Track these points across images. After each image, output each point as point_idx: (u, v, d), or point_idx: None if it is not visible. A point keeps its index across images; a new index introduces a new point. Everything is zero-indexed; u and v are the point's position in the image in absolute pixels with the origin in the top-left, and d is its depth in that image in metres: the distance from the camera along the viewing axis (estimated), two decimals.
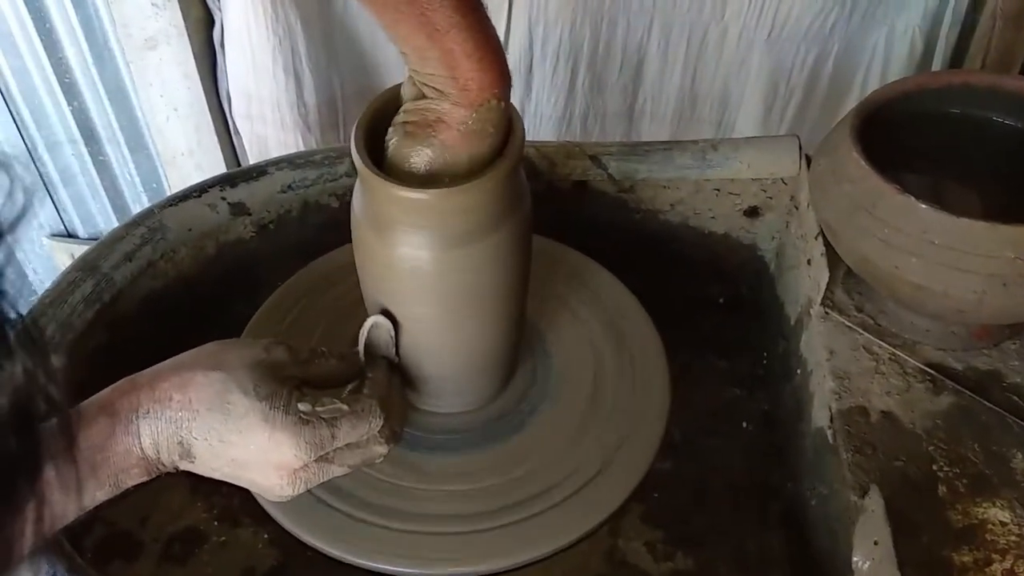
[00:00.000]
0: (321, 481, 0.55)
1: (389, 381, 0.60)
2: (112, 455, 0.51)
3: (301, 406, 0.52)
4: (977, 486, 0.60)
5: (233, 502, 0.73)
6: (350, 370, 0.58)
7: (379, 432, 0.56)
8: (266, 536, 0.71)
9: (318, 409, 0.53)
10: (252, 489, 0.56)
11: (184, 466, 0.54)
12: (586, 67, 1.14)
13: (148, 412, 0.51)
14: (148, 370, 0.54)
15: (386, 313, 0.61)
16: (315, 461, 0.54)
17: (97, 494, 0.52)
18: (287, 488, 0.54)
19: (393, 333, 0.61)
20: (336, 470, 0.56)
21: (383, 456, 0.58)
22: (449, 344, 0.64)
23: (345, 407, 0.54)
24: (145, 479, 0.54)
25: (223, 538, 0.72)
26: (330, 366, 0.58)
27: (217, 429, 0.51)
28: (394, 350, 0.62)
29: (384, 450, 0.57)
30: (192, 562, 0.70)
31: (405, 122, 0.57)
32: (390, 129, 0.58)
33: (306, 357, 0.57)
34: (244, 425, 0.51)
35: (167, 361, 0.55)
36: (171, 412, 0.51)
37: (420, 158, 0.56)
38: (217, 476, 0.55)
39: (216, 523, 0.72)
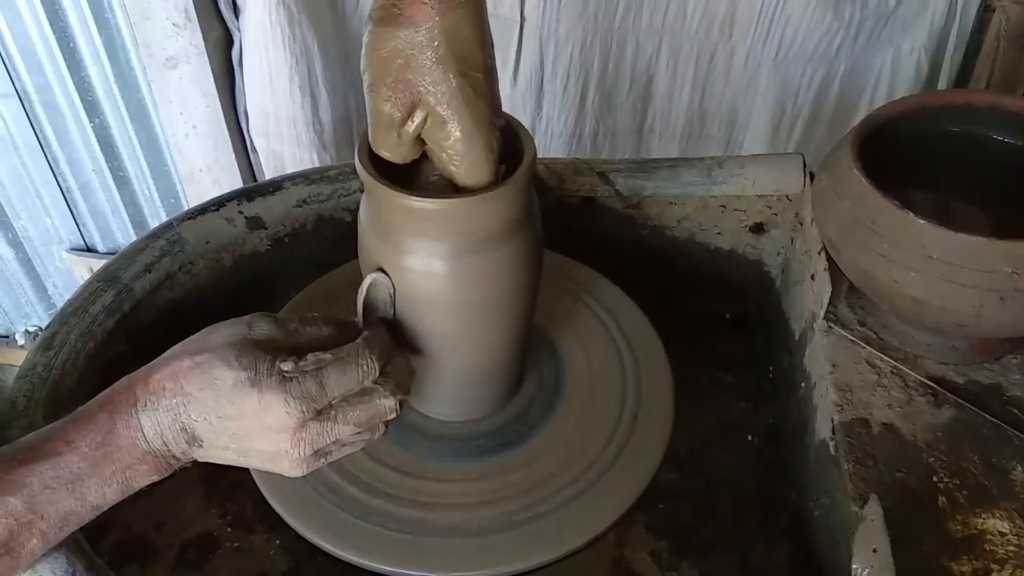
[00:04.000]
0: (330, 442, 0.54)
1: (386, 337, 0.58)
2: (115, 450, 0.52)
3: (283, 366, 0.52)
4: (977, 497, 0.61)
5: (246, 509, 0.74)
6: (345, 337, 0.57)
7: (383, 386, 0.56)
8: (278, 542, 0.72)
9: (300, 364, 0.53)
10: (266, 467, 0.55)
11: (197, 454, 0.54)
12: (596, 86, 1.16)
13: (146, 405, 0.52)
14: (144, 366, 0.55)
15: (384, 272, 0.60)
16: (314, 419, 0.53)
17: (106, 492, 0.52)
18: (293, 453, 0.53)
19: (392, 291, 0.60)
20: (343, 429, 0.54)
21: (394, 411, 0.56)
22: (457, 353, 0.65)
23: (328, 356, 0.54)
24: (157, 477, 0.54)
25: (236, 544, 0.73)
26: (321, 334, 0.57)
27: (211, 407, 0.52)
28: (392, 310, 0.61)
29: (391, 402, 0.56)
30: (206, 567, 0.72)
31: (372, 13, 0.57)
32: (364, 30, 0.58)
33: (294, 327, 0.56)
34: (234, 396, 0.52)
35: (162, 355, 0.55)
36: (166, 401, 0.52)
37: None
38: (230, 459, 0.55)
39: (229, 529, 0.74)
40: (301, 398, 0.52)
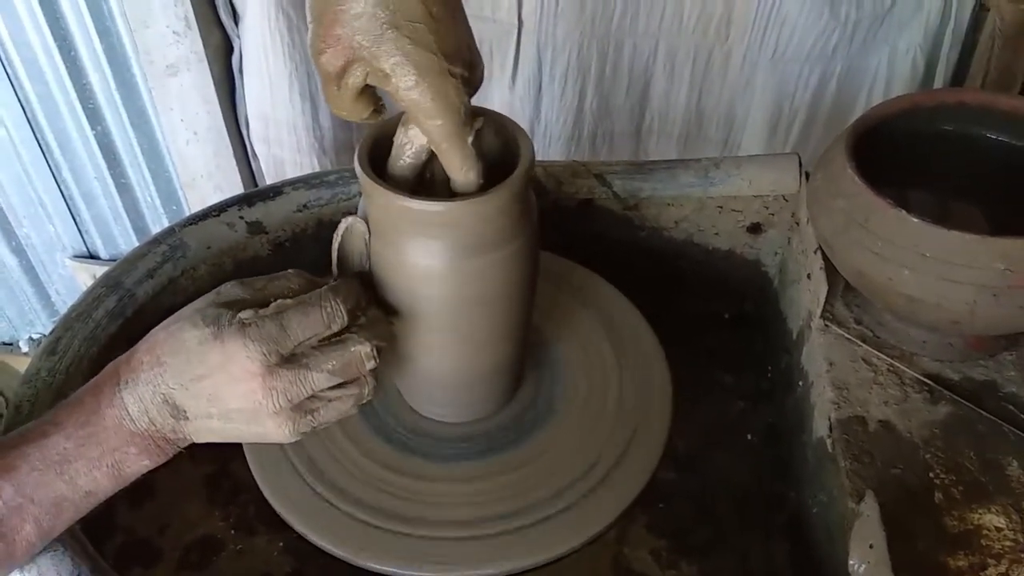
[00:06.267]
0: (306, 393, 0.53)
1: (356, 286, 0.57)
2: (100, 431, 0.52)
3: (243, 315, 0.52)
4: (973, 493, 0.62)
5: (249, 511, 0.75)
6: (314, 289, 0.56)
7: (357, 333, 0.54)
8: (281, 544, 0.73)
9: (260, 311, 0.52)
10: (254, 432, 0.54)
11: (187, 430, 0.54)
12: (594, 89, 1.17)
13: (128, 382, 0.52)
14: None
15: (359, 218, 0.59)
16: (283, 366, 0.52)
17: (96, 476, 0.52)
18: (269, 405, 0.52)
19: (368, 238, 0.59)
20: (317, 377, 0.53)
21: (371, 358, 0.55)
22: (456, 355, 0.66)
23: (290, 301, 0.53)
24: (149, 462, 0.54)
25: (239, 546, 0.74)
26: (291, 286, 0.56)
27: (184, 370, 0.52)
28: (367, 262, 0.60)
29: (366, 348, 0.54)
30: (209, 569, 0.72)
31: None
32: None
33: (262, 284, 0.56)
34: (201, 353, 0.52)
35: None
36: (145, 374, 0.52)
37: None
38: (217, 429, 0.54)
39: (233, 531, 0.74)
40: (260, 340, 0.51)
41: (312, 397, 0.54)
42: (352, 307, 0.55)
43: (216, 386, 0.52)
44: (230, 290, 0.55)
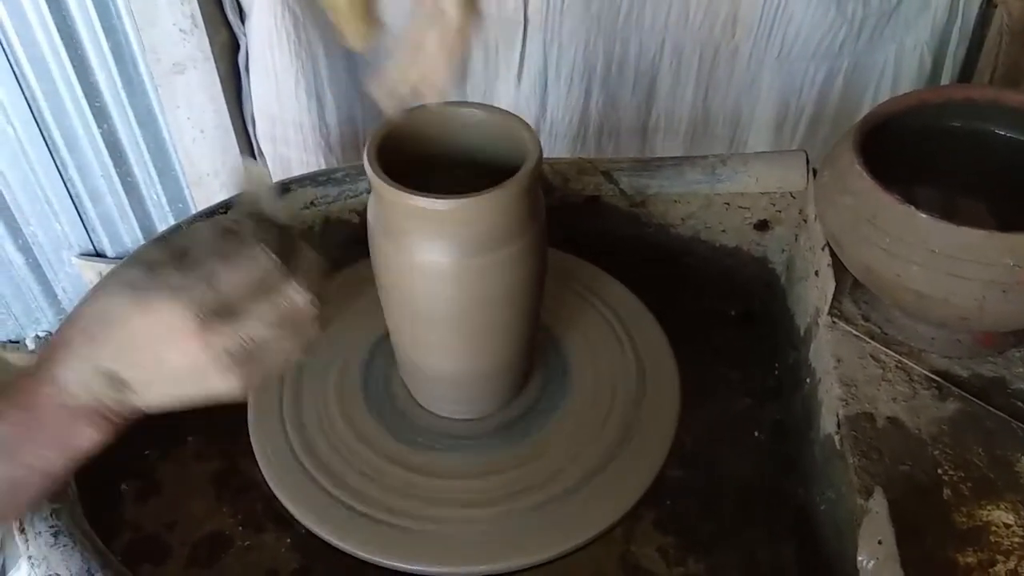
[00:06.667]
0: (245, 343, 0.51)
1: (276, 231, 0.54)
2: (42, 414, 0.51)
3: (168, 277, 0.50)
4: (981, 489, 0.62)
5: (257, 508, 0.75)
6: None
7: (292, 280, 0.52)
8: (289, 540, 0.73)
9: (186, 271, 0.50)
10: (202, 388, 0.52)
11: (135, 400, 0.52)
12: (600, 86, 1.17)
13: (62, 359, 0.51)
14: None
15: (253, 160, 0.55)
16: (217, 320, 0.50)
17: (49, 457, 0.51)
18: (209, 361, 0.50)
19: (271, 182, 0.55)
20: (255, 326, 0.51)
21: (310, 306, 0.52)
22: (464, 351, 0.66)
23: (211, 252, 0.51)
24: (101, 436, 0.52)
25: (247, 542, 0.74)
26: (208, 237, 0.53)
27: (112, 337, 0.50)
28: (279, 205, 0.56)
29: (302, 297, 0.52)
30: (218, 566, 0.72)
31: None
32: None
33: (180, 243, 0.53)
34: (123, 317, 0.50)
35: None
36: (76, 349, 0.51)
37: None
38: (163, 394, 0.52)
39: (240, 528, 0.75)
40: (180, 288, 0.50)
41: (253, 347, 0.52)
42: (277, 251, 0.52)
43: (153, 352, 0.51)
44: (150, 253, 0.52)
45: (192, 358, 0.50)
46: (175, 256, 0.52)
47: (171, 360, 0.51)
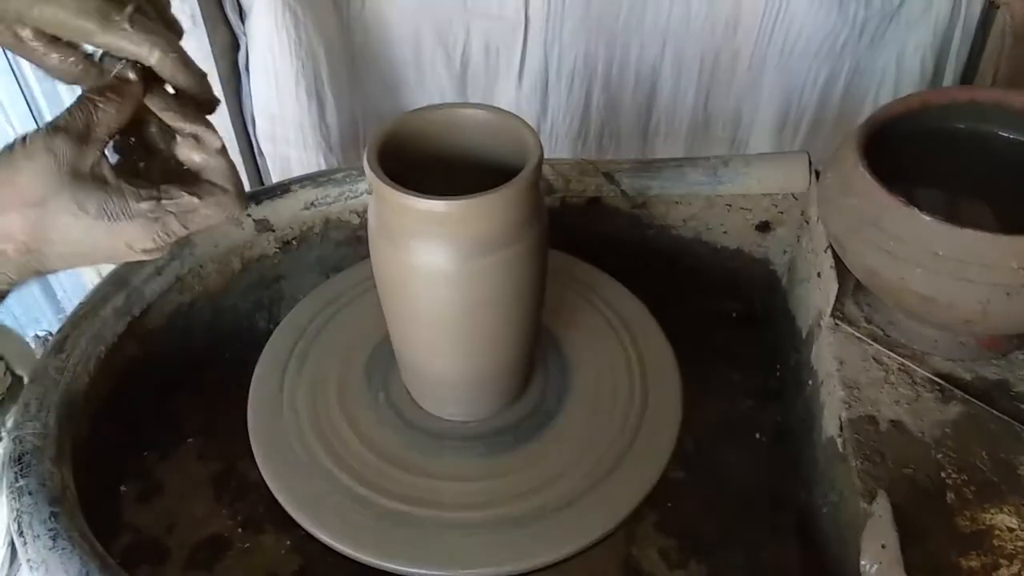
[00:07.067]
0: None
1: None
2: None
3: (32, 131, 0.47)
4: (985, 493, 0.61)
5: (256, 510, 0.75)
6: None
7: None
8: (288, 542, 0.73)
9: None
10: (113, 234, 0.50)
11: (42, 263, 0.49)
12: (601, 87, 1.17)
13: None
14: None
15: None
16: (98, 174, 0.49)
17: None
18: (101, 196, 0.49)
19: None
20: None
21: (208, 126, 0.54)
22: (465, 353, 0.65)
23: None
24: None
25: (247, 544, 0.74)
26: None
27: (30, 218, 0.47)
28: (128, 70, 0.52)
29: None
30: (217, 568, 0.72)
31: None
32: None
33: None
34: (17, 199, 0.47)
35: None
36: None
37: None
38: (75, 240, 0.49)
39: (240, 530, 0.74)
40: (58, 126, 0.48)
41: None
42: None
43: (28, 203, 0.47)
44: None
45: (78, 200, 0.48)
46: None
47: (60, 213, 0.48)
